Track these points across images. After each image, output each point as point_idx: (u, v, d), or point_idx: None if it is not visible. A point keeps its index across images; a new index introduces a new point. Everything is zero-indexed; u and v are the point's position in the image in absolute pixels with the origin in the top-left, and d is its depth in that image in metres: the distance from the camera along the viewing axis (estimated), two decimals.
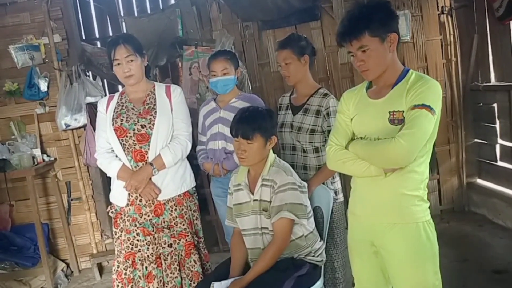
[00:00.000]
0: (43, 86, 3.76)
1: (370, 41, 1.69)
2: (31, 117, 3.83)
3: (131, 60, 2.39)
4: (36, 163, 3.66)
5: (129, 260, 2.45)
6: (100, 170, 3.87)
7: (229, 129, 2.26)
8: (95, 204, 3.96)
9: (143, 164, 2.42)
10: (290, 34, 2.64)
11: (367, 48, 1.70)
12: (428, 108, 1.63)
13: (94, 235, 3.96)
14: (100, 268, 3.92)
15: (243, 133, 2.11)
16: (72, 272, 3.96)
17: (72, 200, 3.94)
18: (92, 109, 3.68)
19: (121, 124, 2.42)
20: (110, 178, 2.58)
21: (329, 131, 2.41)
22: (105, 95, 3.63)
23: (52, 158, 3.85)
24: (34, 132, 3.82)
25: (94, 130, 3.58)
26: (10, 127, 3.76)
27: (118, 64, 2.39)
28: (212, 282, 2.07)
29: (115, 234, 2.54)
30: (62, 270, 3.87)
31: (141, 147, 2.41)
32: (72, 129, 3.76)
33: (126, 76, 2.40)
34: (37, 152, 3.70)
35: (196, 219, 2.62)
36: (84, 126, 3.70)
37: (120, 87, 4.02)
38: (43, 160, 3.73)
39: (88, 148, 3.60)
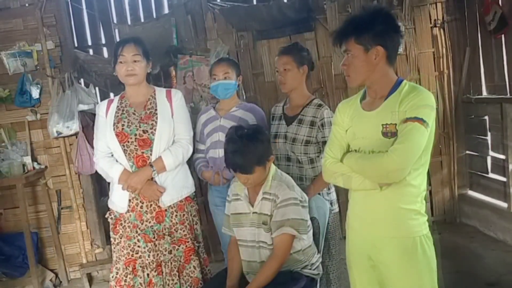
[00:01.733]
0: (35, 93, 3.72)
1: (354, 48, 1.71)
2: (22, 124, 3.78)
3: (137, 61, 2.39)
4: (26, 171, 3.61)
5: (129, 266, 2.42)
6: (91, 178, 3.88)
7: None
8: (86, 213, 3.90)
9: None
10: (293, 43, 2.66)
11: (350, 53, 1.72)
12: (421, 121, 1.62)
13: (84, 245, 3.90)
14: (90, 278, 3.86)
15: (242, 169, 2.06)
16: (61, 282, 3.89)
17: (62, 208, 3.88)
18: (84, 116, 3.65)
19: (122, 129, 2.40)
20: (108, 184, 2.56)
21: (323, 142, 2.41)
22: (98, 103, 3.60)
23: (43, 166, 3.80)
24: (24, 140, 3.77)
25: (86, 138, 3.57)
26: (0, 134, 3.70)
27: (122, 62, 2.38)
28: None
29: (114, 240, 2.50)
30: (51, 280, 3.80)
31: (143, 152, 2.40)
32: (64, 137, 3.71)
33: (127, 74, 2.39)
34: (27, 159, 3.65)
35: (196, 224, 2.61)
36: (76, 134, 3.66)
37: (112, 95, 3.99)
38: (34, 168, 3.68)
39: (80, 156, 3.55)
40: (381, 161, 1.64)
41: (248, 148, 2.04)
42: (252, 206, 2.16)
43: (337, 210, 2.59)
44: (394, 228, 1.75)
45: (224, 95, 2.68)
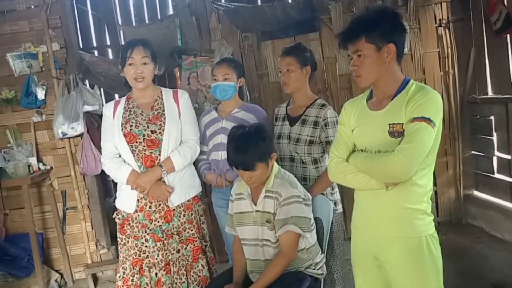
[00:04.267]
0: (41, 94, 3.74)
1: (365, 47, 1.70)
2: (27, 125, 3.79)
3: (145, 63, 2.40)
4: (31, 172, 3.62)
5: (136, 266, 2.44)
6: (96, 179, 3.89)
7: None
8: (91, 214, 3.91)
9: None
10: (296, 43, 2.66)
11: (361, 54, 1.71)
12: (428, 120, 1.61)
13: (89, 245, 3.91)
14: (95, 279, 3.87)
15: (243, 166, 2.08)
16: (66, 282, 3.90)
17: (67, 209, 3.89)
18: (89, 118, 3.66)
19: (130, 130, 2.42)
20: (113, 185, 2.57)
21: (327, 142, 2.41)
22: (103, 104, 3.62)
23: (48, 167, 3.82)
24: (30, 141, 3.78)
25: (91, 139, 3.58)
26: (6, 135, 3.72)
27: (131, 64, 2.39)
28: None
29: (121, 240, 2.52)
30: (56, 280, 3.81)
31: (151, 152, 2.41)
32: (69, 138, 3.73)
33: (136, 78, 2.40)
34: (33, 160, 3.66)
35: (203, 223, 2.62)
36: (81, 135, 3.67)
37: (117, 96, 4.00)
38: (39, 168, 3.69)
39: (85, 157, 3.56)
40: (387, 160, 1.64)
41: (249, 145, 2.06)
42: (255, 204, 2.16)
43: (341, 210, 2.58)
44: (400, 228, 1.74)
45: (222, 97, 2.67)
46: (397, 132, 1.68)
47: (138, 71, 2.39)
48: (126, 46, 2.45)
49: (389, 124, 1.69)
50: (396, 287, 1.78)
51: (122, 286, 2.47)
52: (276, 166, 2.19)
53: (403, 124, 1.66)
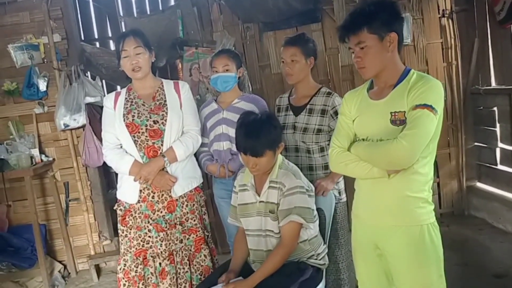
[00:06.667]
0: (42, 85, 3.74)
1: (368, 38, 1.70)
2: (29, 117, 3.80)
3: (139, 53, 2.39)
4: (34, 163, 3.63)
5: (140, 257, 2.45)
6: (99, 171, 3.90)
7: (233, 130, 2.25)
8: (93, 205, 3.93)
9: None
10: (300, 34, 2.64)
11: (364, 45, 1.70)
12: (430, 108, 1.62)
13: (92, 236, 3.93)
14: (98, 270, 3.89)
15: (252, 151, 2.06)
16: (69, 273, 3.93)
17: (70, 200, 3.91)
18: (91, 109, 3.66)
19: (132, 120, 2.41)
20: (115, 176, 2.57)
21: None
22: (104, 95, 3.61)
23: (51, 159, 3.83)
24: (32, 132, 3.79)
25: (93, 130, 3.58)
26: (8, 127, 3.73)
27: (126, 56, 2.39)
28: None
29: (122, 232, 2.51)
30: (59, 271, 3.83)
31: (153, 142, 2.41)
32: (71, 129, 3.73)
33: (133, 69, 2.39)
34: (35, 152, 3.67)
35: (205, 214, 2.64)
36: (83, 127, 3.67)
37: (119, 87, 4.00)
38: (41, 160, 3.71)
39: (87, 149, 3.57)
40: (390, 147, 1.64)
41: (261, 131, 2.06)
42: (259, 195, 2.16)
43: (345, 199, 2.58)
44: (401, 216, 1.74)
45: (224, 88, 2.67)
46: (399, 120, 1.68)
47: (133, 61, 2.38)
48: (117, 40, 2.45)
49: (390, 113, 1.70)
50: (397, 276, 1.79)
51: (123, 279, 2.47)
52: (280, 157, 2.18)
53: (405, 112, 1.67)
